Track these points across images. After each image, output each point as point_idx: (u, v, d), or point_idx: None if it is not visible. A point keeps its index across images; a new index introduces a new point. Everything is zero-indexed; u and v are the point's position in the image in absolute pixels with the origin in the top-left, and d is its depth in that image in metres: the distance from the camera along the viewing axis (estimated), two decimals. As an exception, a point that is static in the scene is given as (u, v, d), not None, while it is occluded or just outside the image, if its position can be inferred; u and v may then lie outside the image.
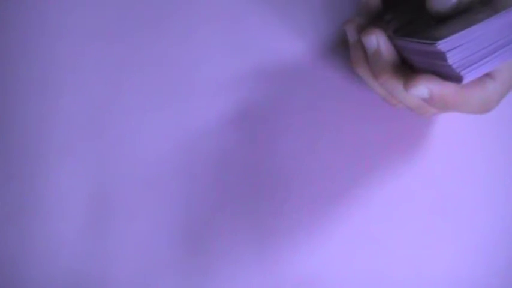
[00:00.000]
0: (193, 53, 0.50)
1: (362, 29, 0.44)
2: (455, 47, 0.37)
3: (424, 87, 0.39)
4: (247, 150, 0.47)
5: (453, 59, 0.37)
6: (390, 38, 0.42)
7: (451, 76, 0.39)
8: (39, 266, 0.45)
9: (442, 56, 0.38)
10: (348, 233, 0.46)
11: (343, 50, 0.50)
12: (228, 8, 0.50)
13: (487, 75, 0.41)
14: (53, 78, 0.49)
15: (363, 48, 0.43)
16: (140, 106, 0.48)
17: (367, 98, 0.49)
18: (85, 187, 0.47)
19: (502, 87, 0.41)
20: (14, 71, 0.49)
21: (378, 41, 0.42)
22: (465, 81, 0.38)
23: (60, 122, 0.48)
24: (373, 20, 0.44)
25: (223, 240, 0.46)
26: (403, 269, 0.45)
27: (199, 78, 0.49)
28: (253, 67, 0.49)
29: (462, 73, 0.37)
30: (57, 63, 0.49)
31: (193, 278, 0.45)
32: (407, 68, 0.42)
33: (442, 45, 0.37)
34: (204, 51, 0.50)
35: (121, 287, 0.45)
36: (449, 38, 0.37)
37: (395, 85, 0.42)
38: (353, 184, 0.47)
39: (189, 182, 0.47)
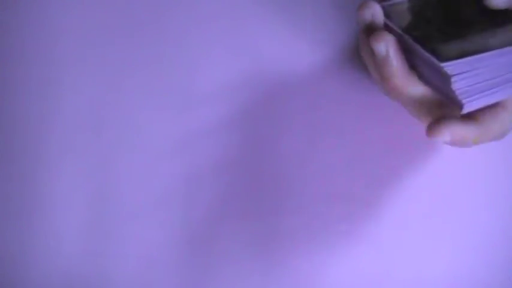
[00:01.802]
0: (194, 53, 0.50)
1: (373, 25, 0.42)
2: (462, 72, 0.36)
3: (447, 134, 0.38)
4: (247, 150, 0.47)
5: (458, 85, 0.37)
6: (401, 36, 0.40)
7: (452, 99, 0.38)
8: (39, 265, 0.45)
9: (446, 78, 0.37)
10: (348, 233, 0.46)
11: (344, 50, 0.50)
12: (229, 8, 0.50)
13: (500, 106, 0.40)
14: (53, 78, 0.49)
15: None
16: (140, 106, 0.48)
17: (368, 99, 0.49)
18: (85, 187, 0.47)
19: None
20: (14, 71, 0.49)
21: (387, 49, 0.40)
22: (465, 110, 0.37)
23: (60, 122, 0.48)
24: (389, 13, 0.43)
25: (224, 240, 0.46)
26: (403, 269, 0.45)
27: (200, 78, 0.49)
28: (254, 67, 0.49)
29: (464, 101, 0.37)
30: (57, 63, 0.49)
31: (194, 278, 0.45)
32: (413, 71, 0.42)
33: (448, 68, 0.36)
34: (204, 51, 0.50)
35: (121, 286, 0.45)
36: (455, 62, 0.36)
37: (400, 90, 0.41)
38: (353, 184, 0.47)
39: (190, 182, 0.47)
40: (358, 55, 0.49)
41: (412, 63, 0.41)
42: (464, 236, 0.46)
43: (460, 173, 0.47)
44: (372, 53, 0.43)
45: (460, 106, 0.37)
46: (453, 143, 0.39)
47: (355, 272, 0.45)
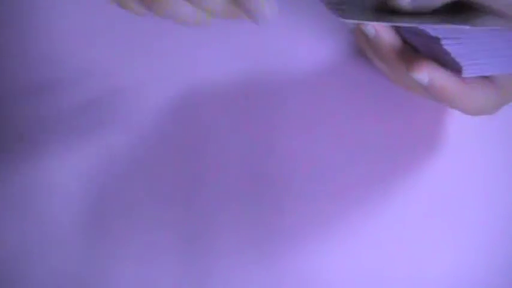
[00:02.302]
0: (193, 52, 0.50)
1: None
2: (448, 37, 0.37)
3: (425, 74, 0.39)
4: (247, 150, 0.48)
5: (450, 48, 0.37)
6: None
7: (451, 65, 0.38)
8: (38, 265, 0.45)
9: (437, 40, 0.38)
10: (347, 232, 0.46)
11: (344, 49, 0.50)
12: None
13: (492, 83, 0.41)
14: (52, 78, 0.49)
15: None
16: (140, 106, 0.49)
17: (368, 97, 0.49)
18: (85, 187, 0.47)
19: (503, 99, 0.42)
20: (14, 71, 0.49)
21: (375, 27, 0.42)
22: (465, 73, 0.37)
23: (60, 122, 0.48)
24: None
25: (223, 240, 0.46)
26: (403, 269, 0.45)
27: (199, 78, 0.49)
28: (253, 67, 0.49)
29: (462, 64, 0.37)
30: (57, 63, 0.49)
31: (193, 278, 0.45)
32: (409, 49, 0.42)
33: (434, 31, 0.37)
34: (203, 51, 0.50)
35: (120, 286, 0.45)
36: (439, 26, 0.36)
37: (397, 66, 0.42)
38: (353, 184, 0.47)
39: (189, 182, 0.47)
40: (356, 54, 0.49)
41: (404, 39, 0.42)
42: (464, 235, 0.46)
43: (460, 172, 0.47)
44: (366, 37, 0.44)
45: (459, 68, 0.37)
46: (431, 90, 0.40)
47: (355, 271, 0.45)
